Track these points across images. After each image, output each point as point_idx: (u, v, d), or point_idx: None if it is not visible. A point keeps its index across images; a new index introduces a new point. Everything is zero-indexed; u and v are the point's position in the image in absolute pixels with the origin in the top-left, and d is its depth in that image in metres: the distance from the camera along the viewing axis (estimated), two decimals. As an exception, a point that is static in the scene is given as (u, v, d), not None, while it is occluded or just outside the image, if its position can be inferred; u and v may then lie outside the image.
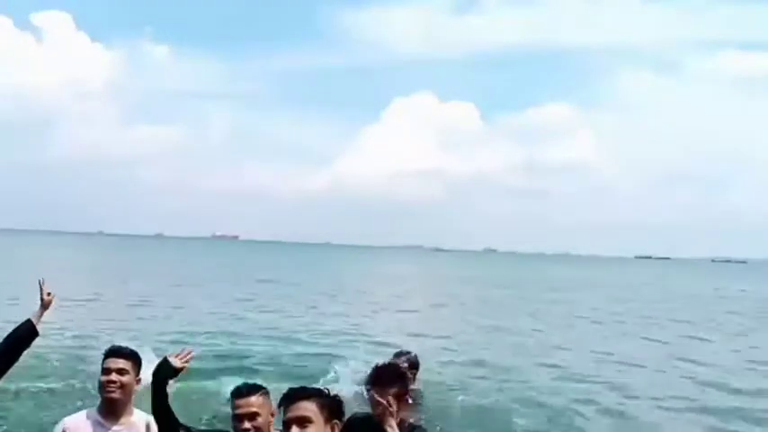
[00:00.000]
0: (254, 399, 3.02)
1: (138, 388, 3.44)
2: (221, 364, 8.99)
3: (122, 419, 3.36)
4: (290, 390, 2.48)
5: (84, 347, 9.83)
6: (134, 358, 3.43)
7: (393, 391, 3.12)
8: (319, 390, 2.53)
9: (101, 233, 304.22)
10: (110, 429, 3.32)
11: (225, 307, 16.80)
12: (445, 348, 11.77)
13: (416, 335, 13.24)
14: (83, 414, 3.43)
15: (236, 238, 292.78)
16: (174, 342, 10.26)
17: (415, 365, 5.58)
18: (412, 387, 5.43)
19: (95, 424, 3.33)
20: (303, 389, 2.48)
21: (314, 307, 17.94)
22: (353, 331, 12.85)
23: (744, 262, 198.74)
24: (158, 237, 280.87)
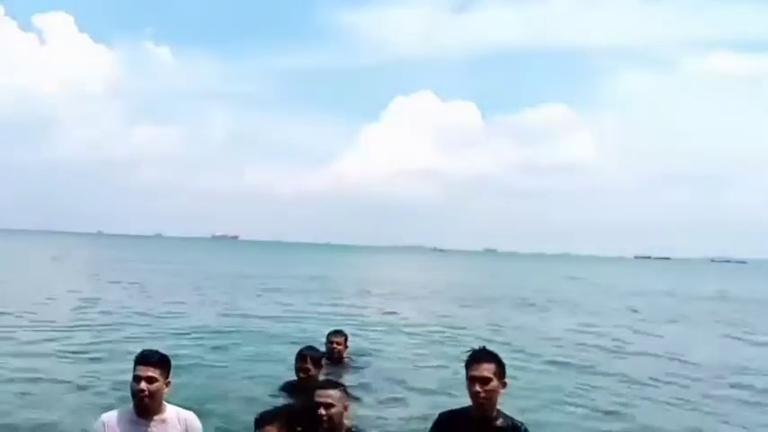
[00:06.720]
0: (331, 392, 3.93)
1: (168, 389, 3.77)
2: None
3: (156, 417, 3.73)
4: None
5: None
6: (163, 365, 3.75)
7: None
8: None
9: (100, 233, 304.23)
10: (145, 426, 3.70)
11: (227, 306, 16.72)
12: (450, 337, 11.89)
13: (419, 328, 13.23)
14: (119, 411, 3.81)
15: (236, 238, 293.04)
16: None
17: (347, 339, 7.82)
18: (347, 354, 7.83)
19: (132, 422, 3.71)
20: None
21: (316, 305, 17.90)
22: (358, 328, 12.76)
23: (744, 262, 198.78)
24: (157, 237, 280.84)
